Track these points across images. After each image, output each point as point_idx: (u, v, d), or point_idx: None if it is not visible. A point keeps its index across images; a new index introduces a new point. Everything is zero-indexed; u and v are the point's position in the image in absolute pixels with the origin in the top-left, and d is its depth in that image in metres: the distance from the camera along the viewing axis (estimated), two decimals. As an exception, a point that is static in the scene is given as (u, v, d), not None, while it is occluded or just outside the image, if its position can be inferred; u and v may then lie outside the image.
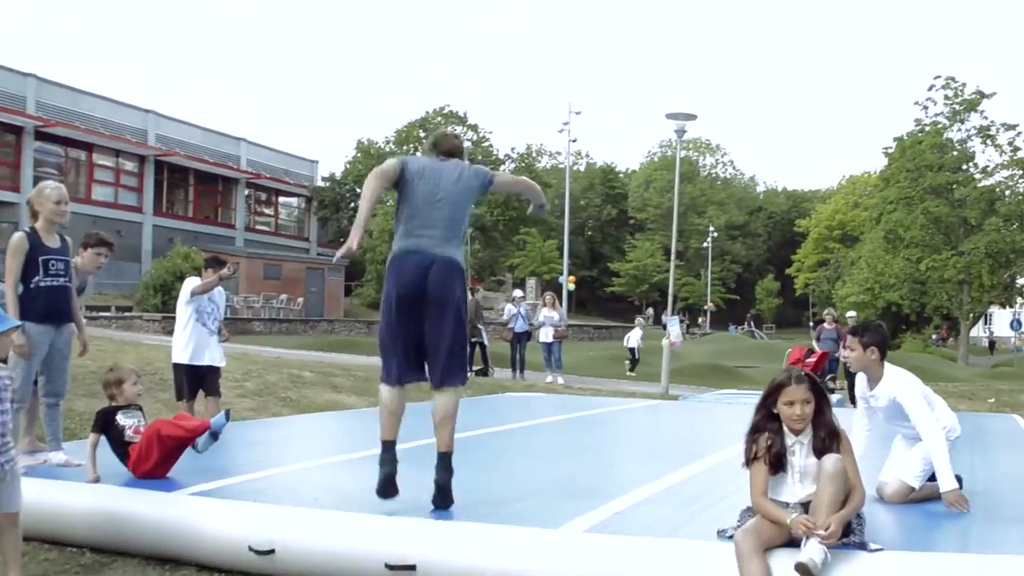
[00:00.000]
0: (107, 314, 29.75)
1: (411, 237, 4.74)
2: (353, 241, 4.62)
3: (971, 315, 41.14)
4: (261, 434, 8.19)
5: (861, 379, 5.35)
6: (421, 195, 4.77)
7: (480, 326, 19.02)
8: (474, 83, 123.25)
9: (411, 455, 6.59)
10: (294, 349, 22.51)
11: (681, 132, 20.67)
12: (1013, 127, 38.65)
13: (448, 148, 5.01)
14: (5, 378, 4.10)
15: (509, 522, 4.49)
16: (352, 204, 52.50)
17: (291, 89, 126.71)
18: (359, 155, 52.29)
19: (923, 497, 5.11)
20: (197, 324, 8.14)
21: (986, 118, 39.13)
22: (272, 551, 4.40)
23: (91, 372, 10.07)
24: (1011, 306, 45.05)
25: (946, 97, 39.55)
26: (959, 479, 5.04)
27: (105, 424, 5.51)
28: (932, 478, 5.09)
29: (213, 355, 8.21)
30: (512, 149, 60.72)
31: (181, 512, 4.77)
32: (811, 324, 69.30)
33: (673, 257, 22.10)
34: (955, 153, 39.82)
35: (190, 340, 8.09)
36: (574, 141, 49.46)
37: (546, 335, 18.68)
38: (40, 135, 36.09)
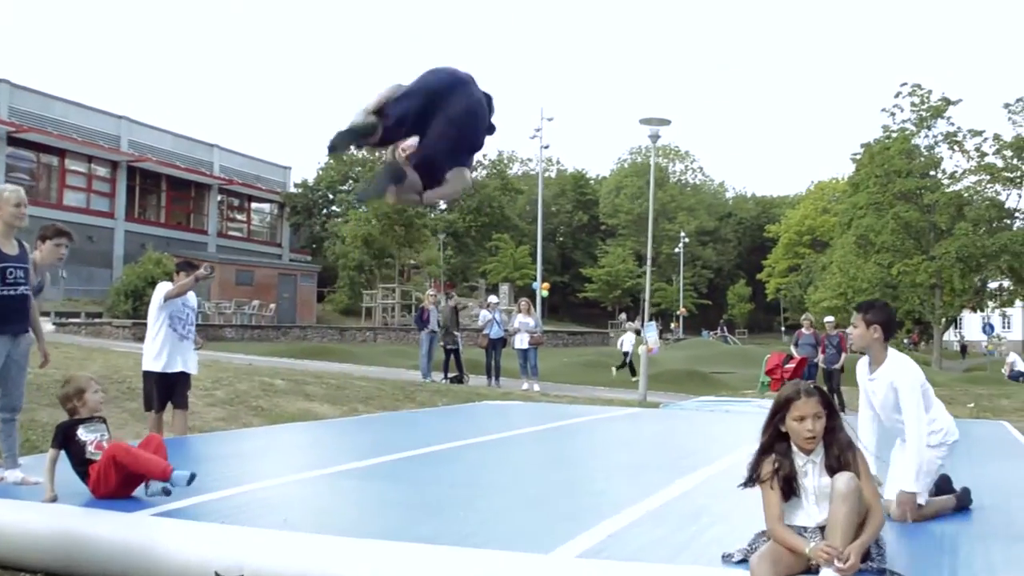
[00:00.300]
0: (77, 320, 29.46)
1: None
2: None
3: (943, 319, 41.36)
4: (232, 447, 7.86)
5: (863, 363, 5.11)
6: None
7: (456, 332, 18.83)
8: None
9: (386, 470, 6.33)
10: (266, 356, 22.18)
11: (656, 137, 20.58)
12: (979, 133, 38.85)
13: None
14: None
15: (494, 545, 4.18)
16: (324, 211, 52.19)
17: (264, 95, 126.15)
18: (331, 162, 51.94)
19: (934, 513, 4.84)
20: (170, 331, 7.84)
21: (953, 124, 39.35)
22: (241, 576, 4.10)
23: (55, 381, 9.65)
24: (982, 310, 45.34)
25: (913, 104, 39.73)
26: (966, 492, 4.82)
27: (65, 439, 5.17)
28: (939, 492, 4.88)
29: (187, 362, 7.92)
30: (484, 156, 60.51)
31: (142, 534, 4.46)
32: (783, 329, 69.97)
33: (649, 262, 21.98)
34: (923, 159, 40.01)
35: (163, 348, 7.80)
36: (547, 147, 49.32)
37: (522, 341, 18.52)
38: (12, 140, 35.60)
